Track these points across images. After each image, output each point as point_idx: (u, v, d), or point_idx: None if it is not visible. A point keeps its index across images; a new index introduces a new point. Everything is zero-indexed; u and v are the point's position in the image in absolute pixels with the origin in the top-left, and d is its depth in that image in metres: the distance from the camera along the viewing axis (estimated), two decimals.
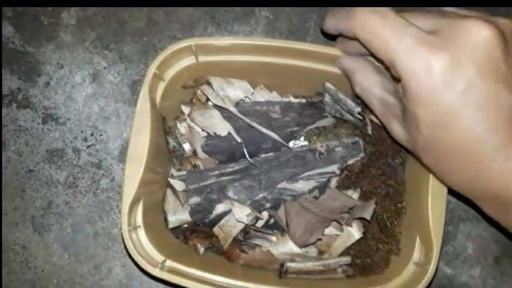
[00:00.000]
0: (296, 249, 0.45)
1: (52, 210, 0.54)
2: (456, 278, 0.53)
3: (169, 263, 0.41)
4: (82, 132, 0.55)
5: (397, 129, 0.37)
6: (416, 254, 0.44)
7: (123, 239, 0.40)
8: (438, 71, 0.29)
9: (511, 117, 0.29)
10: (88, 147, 0.55)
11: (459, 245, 0.54)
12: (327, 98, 0.49)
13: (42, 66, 0.56)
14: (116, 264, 0.53)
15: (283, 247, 0.46)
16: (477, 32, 0.29)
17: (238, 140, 0.46)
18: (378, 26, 0.33)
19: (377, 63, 0.41)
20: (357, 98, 0.46)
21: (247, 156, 0.46)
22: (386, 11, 0.33)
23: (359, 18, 0.34)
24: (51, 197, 0.54)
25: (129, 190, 0.40)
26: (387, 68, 0.35)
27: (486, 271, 0.53)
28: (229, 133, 0.46)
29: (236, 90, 0.48)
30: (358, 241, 0.46)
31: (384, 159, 0.48)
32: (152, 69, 0.43)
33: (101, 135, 0.55)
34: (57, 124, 0.55)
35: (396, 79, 0.34)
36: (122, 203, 0.40)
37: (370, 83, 0.39)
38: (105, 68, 0.56)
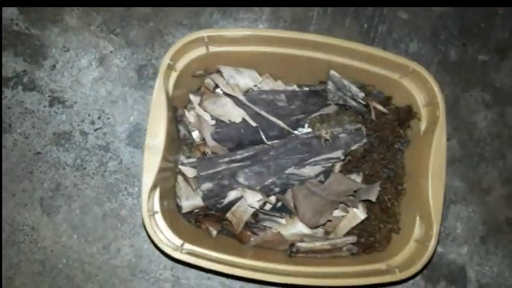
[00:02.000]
0: (305, 230, 0.48)
1: (60, 192, 0.55)
2: (445, 255, 0.57)
3: (186, 245, 0.44)
4: (89, 115, 0.56)
5: None
6: (417, 232, 0.47)
7: (143, 224, 0.42)
8: None
9: None
10: (95, 130, 0.55)
11: (449, 225, 0.58)
12: (330, 86, 0.51)
13: (48, 49, 0.56)
14: (125, 244, 0.55)
15: (293, 228, 0.48)
16: None
17: (254, 124, 0.48)
18: None
19: None
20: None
21: (264, 138, 0.48)
22: None
23: None
24: (59, 179, 0.55)
25: (148, 178, 0.42)
26: None
27: (473, 249, 0.58)
28: (242, 120, 0.48)
29: (245, 79, 0.50)
30: (361, 221, 0.49)
31: (384, 145, 0.51)
32: (166, 60, 0.44)
33: (108, 118, 0.56)
34: (64, 107, 0.55)
35: None
36: (141, 191, 0.42)
37: None
38: (111, 52, 0.56)
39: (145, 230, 0.42)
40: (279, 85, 0.53)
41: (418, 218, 0.47)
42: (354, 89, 0.49)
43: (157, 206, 0.44)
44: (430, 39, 0.60)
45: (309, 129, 0.52)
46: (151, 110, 0.43)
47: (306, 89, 0.53)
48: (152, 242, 0.42)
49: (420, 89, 0.48)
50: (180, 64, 0.47)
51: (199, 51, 0.47)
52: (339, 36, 0.57)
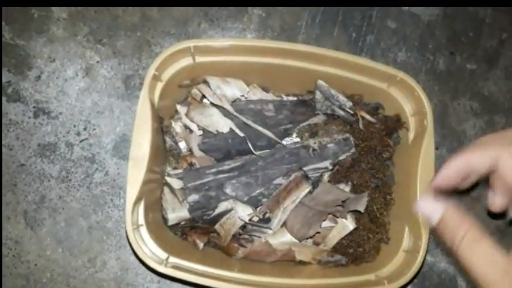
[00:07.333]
0: (294, 239, 0.47)
1: (45, 205, 0.54)
2: (436, 265, 0.57)
3: (172, 259, 0.43)
4: (75, 126, 0.55)
5: None
6: (406, 243, 0.47)
7: (127, 238, 0.41)
8: None
9: None
10: (81, 141, 0.55)
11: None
12: (318, 95, 0.50)
13: (33, 59, 0.55)
14: (111, 257, 0.54)
15: (282, 237, 0.48)
16: None
17: (241, 135, 0.47)
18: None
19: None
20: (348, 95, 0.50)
21: (251, 148, 0.47)
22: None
23: None
24: (43, 191, 0.54)
25: (133, 190, 0.41)
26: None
27: None
28: (230, 130, 0.47)
29: (232, 89, 0.49)
30: (350, 232, 0.49)
31: (373, 154, 0.51)
32: (152, 71, 0.43)
33: (94, 129, 0.55)
34: (49, 118, 0.55)
35: None
36: (125, 203, 0.41)
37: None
38: (98, 62, 0.56)
39: (129, 244, 0.41)
40: (267, 95, 0.52)
41: (406, 228, 0.47)
42: (342, 98, 0.49)
43: (142, 219, 0.43)
44: (419, 48, 0.60)
45: (298, 139, 0.52)
46: (136, 121, 0.42)
47: (294, 98, 0.53)
48: (136, 256, 0.42)
49: (408, 98, 0.48)
50: (166, 74, 0.46)
51: (186, 61, 0.47)
52: (327, 46, 0.57)
